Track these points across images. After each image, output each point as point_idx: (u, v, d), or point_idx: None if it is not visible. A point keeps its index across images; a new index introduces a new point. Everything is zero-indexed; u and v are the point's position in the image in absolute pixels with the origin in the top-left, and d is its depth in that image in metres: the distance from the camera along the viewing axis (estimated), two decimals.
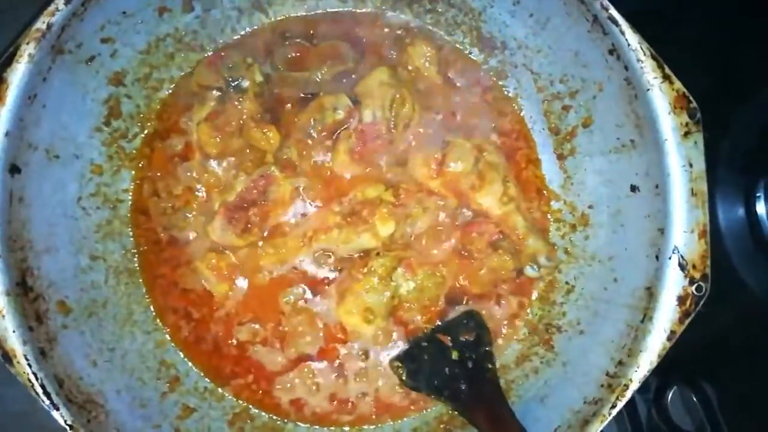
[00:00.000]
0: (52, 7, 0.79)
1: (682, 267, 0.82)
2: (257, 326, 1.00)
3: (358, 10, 1.06)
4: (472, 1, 1.01)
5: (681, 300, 0.82)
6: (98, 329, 0.92)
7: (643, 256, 0.87)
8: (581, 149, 1.01)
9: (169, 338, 1.00)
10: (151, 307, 1.00)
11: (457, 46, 1.07)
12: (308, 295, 1.00)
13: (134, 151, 1.01)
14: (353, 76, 1.02)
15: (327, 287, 1.00)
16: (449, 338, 0.98)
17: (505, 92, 1.07)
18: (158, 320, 1.00)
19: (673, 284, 0.82)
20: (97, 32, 0.88)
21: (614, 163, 0.95)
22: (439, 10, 1.04)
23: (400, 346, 1.00)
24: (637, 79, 0.83)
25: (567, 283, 1.02)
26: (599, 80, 0.92)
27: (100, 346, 0.91)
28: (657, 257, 0.84)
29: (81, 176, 0.94)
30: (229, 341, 0.99)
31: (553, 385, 0.96)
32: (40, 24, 0.79)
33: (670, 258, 0.82)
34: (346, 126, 0.99)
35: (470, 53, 1.07)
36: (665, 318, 0.82)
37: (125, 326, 0.97)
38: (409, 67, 1.03)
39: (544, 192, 1.06)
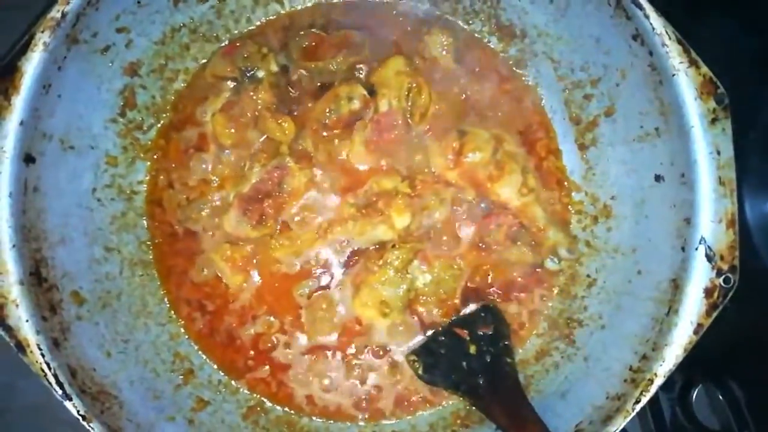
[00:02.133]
0: None
1: (709, 258, 0.80)
2: (272, 319, 0.99)
3: None
4: None
5: (708, 292, 0.80)
6: (112, 320, 0.92)
7: (668, 248, 0.84)
8: (603, 139, 0.98)
9: (183, 330, 0.99)
10: (165, 299, 0.99)
11: (475, 34, 1.05)
12: (323, 287, 0.99)
13: (149, 143, 1.00)
14: (369, 65, 1.00)
15: (342, 280, 0.99)
16: (467, 332, 0.96)
17: (525, 81, 1.05)
18: (172, 312, 0.99)
19: (700, 276, 0.80)
20: (112, 22, 0.88)
21: (638, 152, 0.92)
22: None
23: (417, 340, 0.98)
24: (662, 65, 0.81)
25: (588, 276, 0.99)
26: (622, 67, 0.90)
27: (114, 337, 0.91)
28: (683, 248, 0.82)
29: (96, 167, 0.94)
30: (244, 334, 0.98)
31: (575, 380, 0.93)
32: (55, 12, 0.78)
33: (696, 249, 0.80)
34: (361, 116, 0.98)
35: (489, 42, 1.05)
36: (691, 311, 0.80)
37: (139, 318, 0.96)
38: (426, 57, 1.01)
39: (565, 183, 1.03)
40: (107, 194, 0.96)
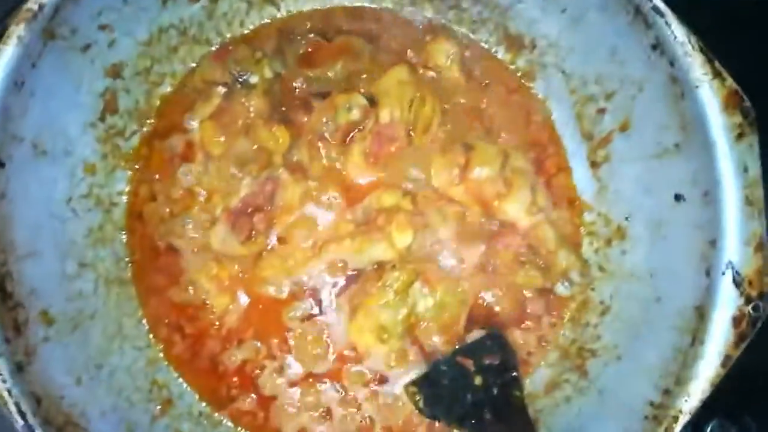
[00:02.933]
0: None
1: (737, 284, 0.73)
2: (259, 344, 0.91)
3: (376, 6, 0.99)
4: None
5: (736, 321, 0.73)
6: (84, 343, 0.84)
7: (690, 272, 0.78)
8: (617, 156, 0.92)
9: (161, 355, 0.91)
10: (144, 321, 0.92)
11: (482, 44, 0.99)
12: (316, 310, 0.91)
13: (131, 151, 0.93)
14: (370, 74, 0.94)
15: (337, 302, 0.91)
16: (472, 362, 0.89)
17: (534, 94, 0.99)
18: (151, 335, 0.91)
19: (727, 303, 0.73)
20: (95, 18, 0.81)
21: (655, 170, 0.86)
22: (464, 6, 0.97)
23: (417, 370, 0.91)
24: (683, 76, 0.76)
25: (602, 302, 0.92)
26: (639, 79, 0.84)
27: (85, 361, 0.83)
28: (707, 273, 0.76)
29: (72, 175, 0.86)
30: (228, 360, 0.90)
31: (588, 415, 0.86)
32: (32, 4, 0.72)
33: (723, 274, 0.74)
34: (361, 127, 0.92)
35: (496, 53, 0.99)
36: (719, 341, 0.73)
37: (114, 341, 0.88)
38: (430, 67, 0.96)
39: (576, 202, 0.97)
40: (83, 205, 0.88)
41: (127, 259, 0.92)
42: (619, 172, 0.92)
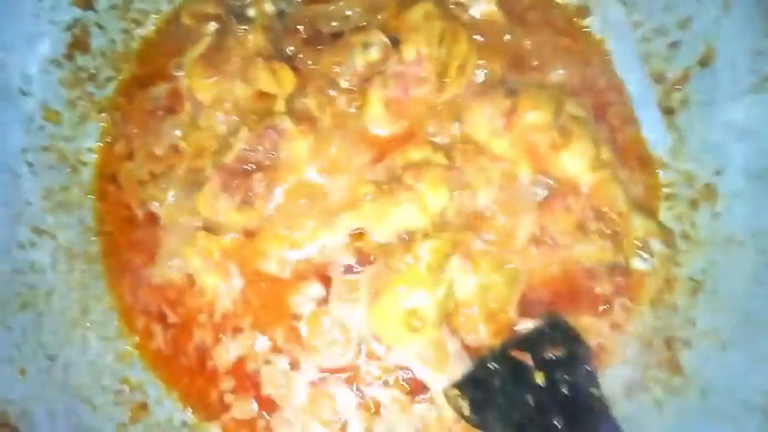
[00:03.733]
0: None
1: None
2: (259, 336, 0.72)
3: None
4: None
5: None
6: (35, 327, 0.68)
7: None
8: (698, 97, 0.76)
9: (135, 349, 0.73)
10: (115, 306, 0.74)
11: None
12: (329, 293, 0.73)
13: (105, 100, 0.79)
14: (390, 11, 0.79)
15: (355, 283, 0.73)
16: (529, 356, 0.69)
17: (589, 32, 0.83)
18: (123, 323, 0.73)
19: None
20: None
21: (752, 107, 0.71)
22: None
23: (460, 368, 0.71)
24: None
25: (691, 278, 0.74)
26: None
27: (34, 349, 0.67)
28: None
29: (29, 121, 0.72)
30: (220, 355, 0.72)
31: (690, 424, 0.67)
32: None
33: None
34: (381, 69, 0.76)
35: None
36: None
37: (76, 328, 0.72)
38: (462, 1, 0.80)
39: (648, 160, 0.79)
40: (43, 159, 0.73)
41: (95, 230, 0.75)
42: (701, 117, 0.76)
